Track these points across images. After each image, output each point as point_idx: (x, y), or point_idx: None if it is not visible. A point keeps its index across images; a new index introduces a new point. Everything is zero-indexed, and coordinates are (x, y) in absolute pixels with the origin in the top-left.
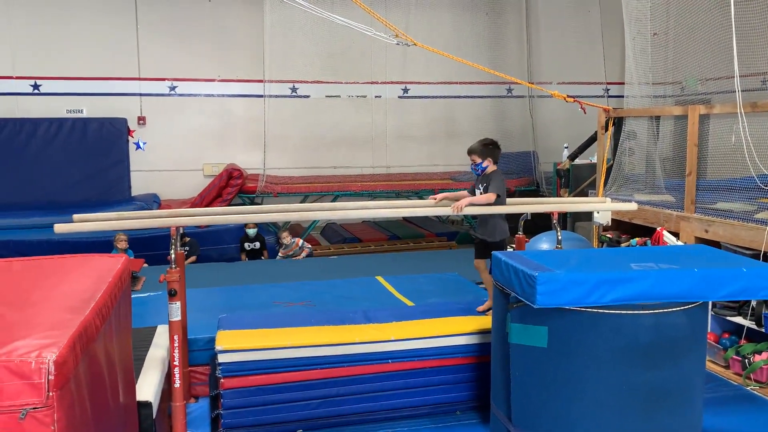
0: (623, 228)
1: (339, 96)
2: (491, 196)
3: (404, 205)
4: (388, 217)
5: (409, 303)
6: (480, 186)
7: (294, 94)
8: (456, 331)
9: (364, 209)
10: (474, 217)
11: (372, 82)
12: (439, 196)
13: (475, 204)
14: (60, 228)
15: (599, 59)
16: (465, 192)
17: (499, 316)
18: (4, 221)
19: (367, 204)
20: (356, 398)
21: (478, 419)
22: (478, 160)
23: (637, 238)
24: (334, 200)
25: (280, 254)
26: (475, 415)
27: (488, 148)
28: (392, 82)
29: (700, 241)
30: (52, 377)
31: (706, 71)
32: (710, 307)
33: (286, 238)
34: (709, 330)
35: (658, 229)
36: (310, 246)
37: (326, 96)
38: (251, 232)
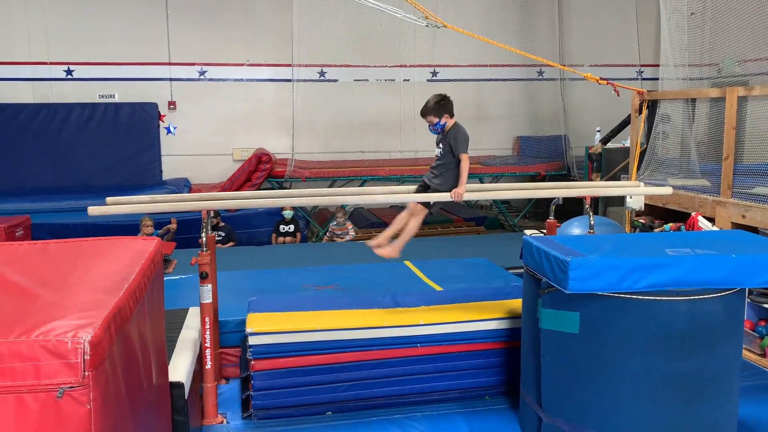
0: (656, 213)
1: (367, 80)
2: (465, 161)
3: (384, 191)
4: (385, 203)
5: (438, 288)
6: (441, 144)
7: (322, 78)
8: (485, 316)
9: (361, 195)
10: (434, 177)
11: (400, 66)
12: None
13: (464, 185)
14: (93, 211)
15: (633, 41)
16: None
17: (530, 301)
18: (39, 204)
19: (364, 189)
20: (385, 381)
21: (508, 404)
22: (435, 120)
23: (671, 224)
24: (361, 185)
25: (330, 229)
26: (505, 400)
27: (440, 104)
28: (421, 66)
29: (737, 226)
30: (87, 357)
31: (745, 52)
32: (747, 294)
33: (342, 217)
34: (745, 317)
35: (693, 214)
36: (354, 233)
37: (354, 80)
38: (287, 214)
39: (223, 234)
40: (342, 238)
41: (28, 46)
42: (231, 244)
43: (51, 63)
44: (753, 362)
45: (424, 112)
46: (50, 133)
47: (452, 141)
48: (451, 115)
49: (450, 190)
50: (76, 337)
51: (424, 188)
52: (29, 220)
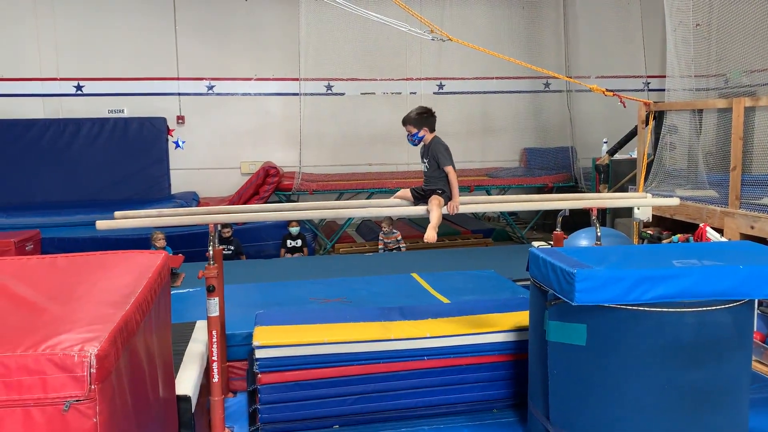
0: (665, 224)
1: (374, 93)
2: (452, 173)
3: (390, 204)
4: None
5: (445, 300)
6: (425, 159)
7: (329, 91)
8: (492, 328)
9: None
10: (435, 187)
11: (407, 79)
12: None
13: (458, 196)
14: (102, 225)
15: (639, 52)
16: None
17: (537, 313)
18: (49, 219)
19: (371, 202)
20: (392, 395)
21: (516, 417)
22: (414, 131)
23: (679, 235)
24: (369, 197)
25: (380, 238)
26: (513, 413)
27: (423, 117)
28: (427, 78)
29: (746, 237)
30: (94, 370)
31: (752, 62)
32: (756, 305)
33: (387, 227)
34: (755, 329)
35: (701, 225)
36: (404, 245)
37: (361, 93)
38: (294, 230)
39: (233, 248)
40: (392, 247)
41: (38, 62)
42: (243, 257)
43: (61, 79)
44: (764, 374)
45: (405, 121)
46: (60, 148)
47: (435, 154)
48: (431, 130)
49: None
50: (83, 350)
51: (419, 196)
52: (39, 235)
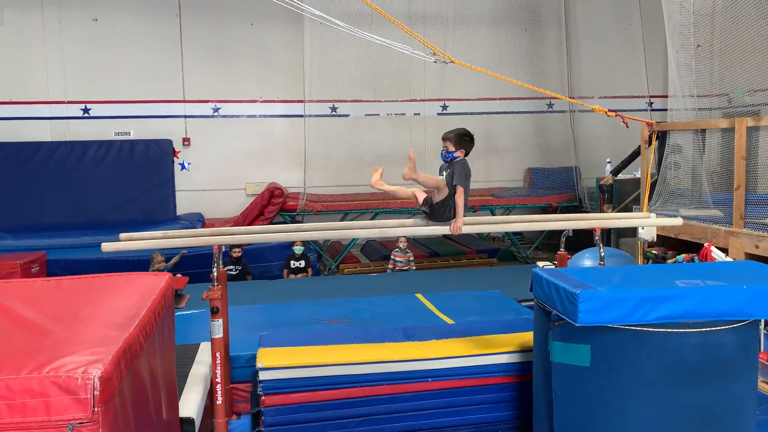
0: (669, 244)
1: (378, 114)
2: (460, 194)
3: (394, 225)
4: (386, 236)
5: (450, 321)
6: (444, 172)
7: (334, 113)
8: (497, 349)
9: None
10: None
11: (411, 100)
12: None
13: (463, 216)
14: (107, 247)
15: (642, 72)
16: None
17: (541, 334)
18: (55, 240)
19: (375, 223)
20: (397, 417)
21: None
22: (451, 149)
23: (684, 255)
24: (373, 218)
25: (392, 256)
26: None
27: (463, 139)
28: (431, 100)
29: (751, 257)
30: (97, 393)
31: (755, 82)
32: (762, 325)
33: (404, 242)
34: (762, 349)
35: (706, 245)
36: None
37: (366, 115)
38: (298, 249)
39: (239, 268)
40: (403, 267)
41: (46, 86)
42: (249, 278)
43: (68, 102)
44: None
45: (446, 136)
46: (67, 171)
47: (454, 170)
48: (466, 154)
49: (442, 220)
50: (86, 372)
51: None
52: (45, 257)
